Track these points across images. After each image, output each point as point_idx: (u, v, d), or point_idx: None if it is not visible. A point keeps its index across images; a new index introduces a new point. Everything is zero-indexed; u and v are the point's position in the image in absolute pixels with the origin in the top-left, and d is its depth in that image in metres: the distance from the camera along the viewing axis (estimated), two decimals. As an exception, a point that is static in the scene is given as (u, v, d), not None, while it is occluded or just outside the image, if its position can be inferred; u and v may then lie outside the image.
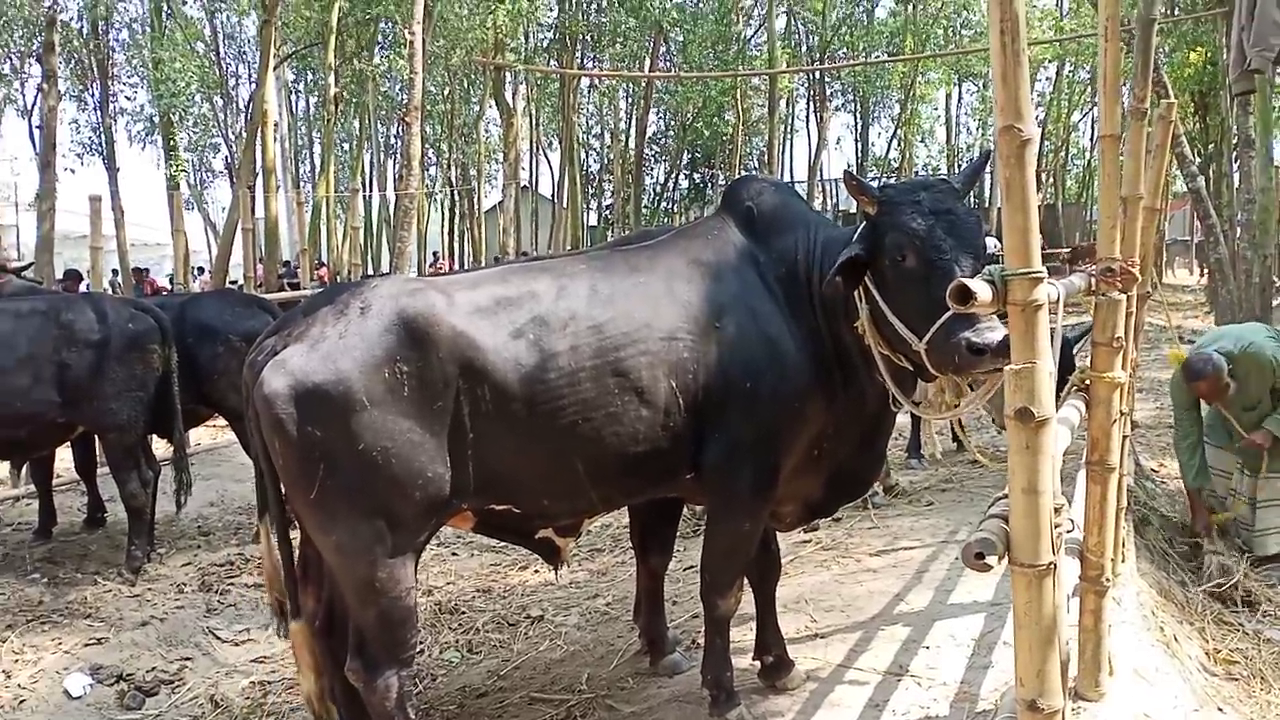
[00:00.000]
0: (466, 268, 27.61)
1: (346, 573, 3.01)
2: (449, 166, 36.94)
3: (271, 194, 19.35)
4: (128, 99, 31.10)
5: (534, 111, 36.23)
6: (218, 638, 5.08)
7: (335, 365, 2.82)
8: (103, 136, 29.58)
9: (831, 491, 3.64)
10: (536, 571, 5.69)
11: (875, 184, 3.16)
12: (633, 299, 3.18)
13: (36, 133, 25.03)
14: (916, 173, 38.02)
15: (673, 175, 39.70)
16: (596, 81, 34.80)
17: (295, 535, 3.21)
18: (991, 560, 1.93)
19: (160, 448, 6.61)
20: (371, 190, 34.85)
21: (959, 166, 37.59)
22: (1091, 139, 38.03)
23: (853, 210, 30.09)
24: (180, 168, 26.51)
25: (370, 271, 24.40)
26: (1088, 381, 2.94)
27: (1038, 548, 1.93)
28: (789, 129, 37.44)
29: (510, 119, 29.09)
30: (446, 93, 32.66)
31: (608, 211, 39.07)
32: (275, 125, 21.65)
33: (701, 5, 33.39)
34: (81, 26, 27.44)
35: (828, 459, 3.48)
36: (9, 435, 5.67)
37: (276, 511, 3.15)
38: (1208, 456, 5.73)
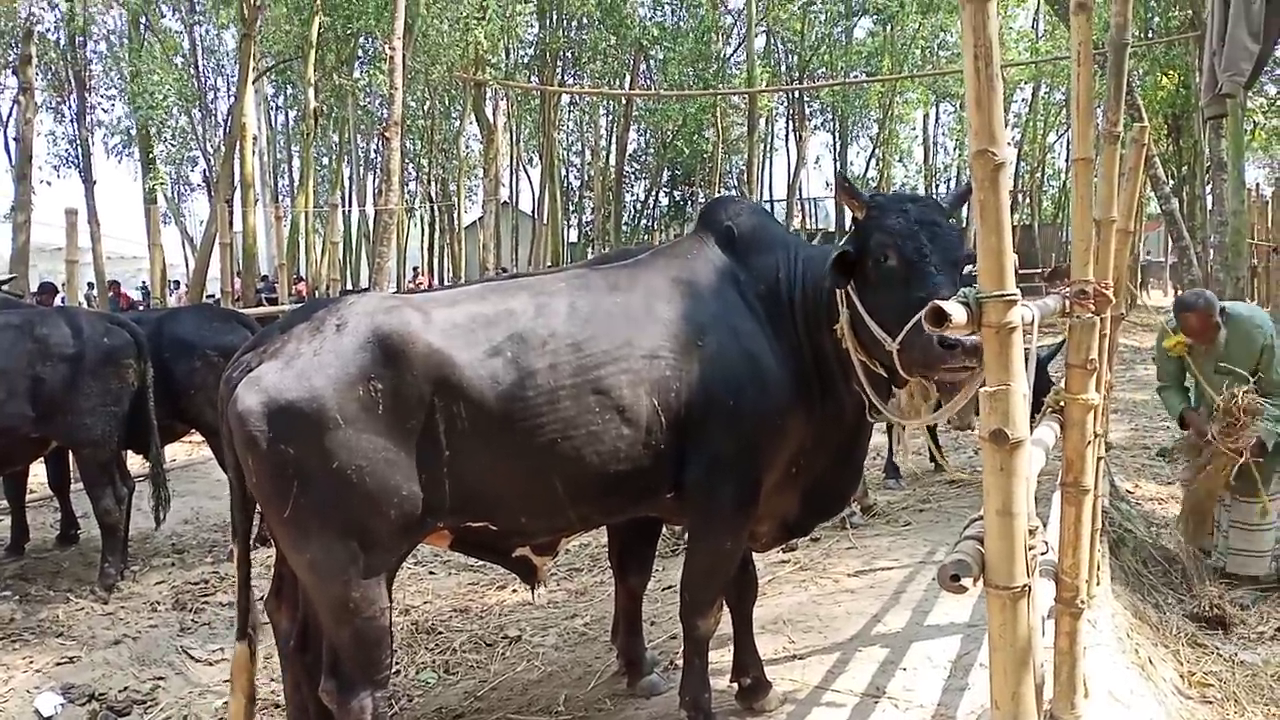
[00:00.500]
0: (446, 283, 27.59)
1: (321, 592, 2.99)
2: (429, 182, 36.86)
3: (250, 208, 19.30)
4: (105, 111, 30.86)
5: (514, 127, 36.24)
6: (191, 657, 5.02)
7: (309, 383, 2.81)
8: (80, 149, 29.35)
9: (809, 509, 3.66)
10: (514, 591, 5.66)
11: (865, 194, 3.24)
12: (614, 317, 3.20)
13: (13, 145, 24.83)
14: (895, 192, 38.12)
15: (653, 192, 39.77)
16: (577, 98, 34.88)
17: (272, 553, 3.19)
18: (966, 582, 1.94)
19: (135, 464, 6.54)
20: (351, 205, 34.71)
21: (936, 186, 37.98)
22: (1067, 160, 38.33)
23: (830, 230, 30.31)
24: (158, 181, 26.37)
25: (349, 286, 24.31)
26: (1062, 403, 2.96)
27: (1012, 570, 1.94)
28: (768, 147, 37.62)
29: (491, 135, 29.06)
30: (427, 108, 32.62)
31: (588, 228, 39.11)
32: (254, 139, 21.57)
33: (681, 24, 33.58)
34: (59, 38, 27.26)
35: (805, 475, 3.50)
36: (-18, 450, 5.60)
37: (243, 529, 3.16)
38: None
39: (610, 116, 36.75)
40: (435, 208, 36.65)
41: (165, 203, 30.95)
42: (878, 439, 5.97)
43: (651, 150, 38.70)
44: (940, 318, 1.94)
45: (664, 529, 4.56)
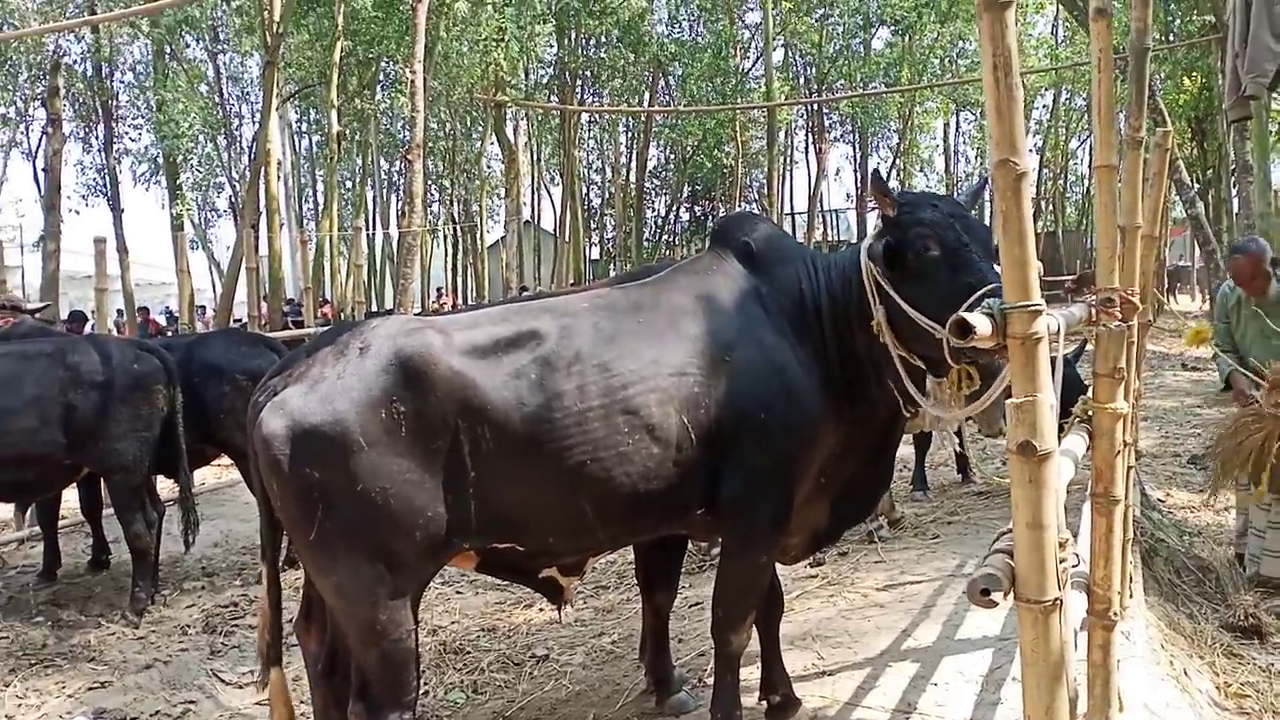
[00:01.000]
0: (470, 303, 27.71)
1: (347, 615, 3.00)
2: (451, 203, 37.09)
3: (275, 232, 19.46)
4: (132, 140, 31.29)
5: (535, 147, 36.47)
6: (222, 680, 5.03)
7: (332, 406, 2.83)
8: (107, 178, 29.75)
9: (838, 516, 3.65)
10: (541, 610, 5.64)
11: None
12: (639, 336, 3.20)
13: (42, 175, 25.18)
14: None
15: (674, 208, 39.87)
16: (596, 116, 35.01)
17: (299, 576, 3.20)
18: (997, 597, 1.91)
19: (165, 488, 6.58)
20: (375, 227, 34.99)
21: (958, 194, 37.74)
22: (1090, 165, 38.09)
23: (853, 241, 30.13)
24: (185, 208, 26.66)
25: (374, 308, 24.49)
26: (1090, 413, 2.93)
27: (1043, 583, 1.91)
28: (788, 160, 37.55)
29: (512, 155, 29.25)
30: (448, 130, 32.85)
31: (609, 245, 39.20)
32: (278, 164, 21.75)
33: (699, 39, 33.68)
34: (85, 69, 27.68)
35: (834, 483, 3.50)
36: (16, 477, 5.68)
37: (271, 554, 3.18)
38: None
39: (630, 133, 36.85)
40: (458, 228, 36.90)
41: (192, 229, 31.31)
42: (904, 450, 5.92)
43: (672, 166, 38.79)
44: (965, 329, 1.93)
45: (689, 545, 4.53)
